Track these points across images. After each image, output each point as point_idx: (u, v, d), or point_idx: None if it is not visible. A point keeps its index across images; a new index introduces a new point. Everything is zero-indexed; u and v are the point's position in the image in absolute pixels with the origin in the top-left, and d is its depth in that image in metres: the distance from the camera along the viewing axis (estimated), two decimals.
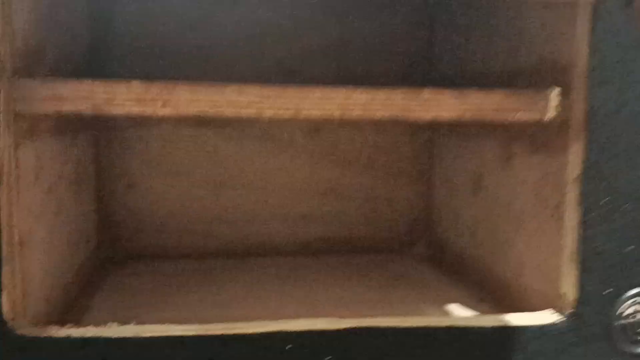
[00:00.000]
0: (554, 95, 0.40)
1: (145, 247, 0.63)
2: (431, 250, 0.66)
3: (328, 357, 0.38)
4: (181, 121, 0.63)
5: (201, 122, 0.64)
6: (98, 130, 0.61)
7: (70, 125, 0.51)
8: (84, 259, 0.55)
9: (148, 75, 0.58)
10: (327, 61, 0.65)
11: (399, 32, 0.66)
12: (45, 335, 0.36)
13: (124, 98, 0.37)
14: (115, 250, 0.62)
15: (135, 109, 0.37)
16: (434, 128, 0.66)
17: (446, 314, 0.47)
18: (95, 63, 0.59)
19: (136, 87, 0.37)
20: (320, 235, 0.67)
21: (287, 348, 0.37)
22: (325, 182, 0.67)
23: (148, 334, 0.36)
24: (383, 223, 0.68)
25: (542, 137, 0.44)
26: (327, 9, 0.64)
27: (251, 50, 0.63)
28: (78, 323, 0.38)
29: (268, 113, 0.38)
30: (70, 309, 0.47)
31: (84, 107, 0.36)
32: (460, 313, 0.47)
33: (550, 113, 0.40)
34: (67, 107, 0.36)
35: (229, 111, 0.38)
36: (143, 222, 0.63)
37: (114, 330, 0.36)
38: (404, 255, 0.67)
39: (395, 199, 0.68)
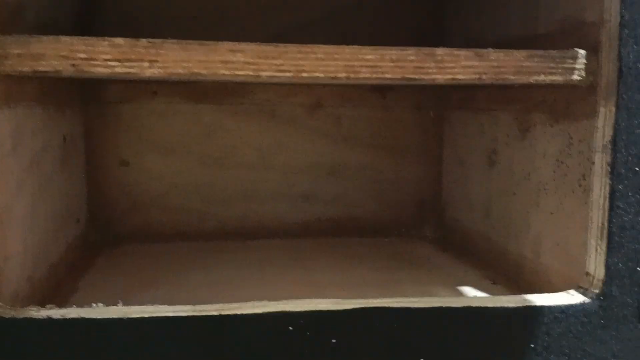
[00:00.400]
0: (581, 56, 0.36)
1: (138, 227, 0.59)
2: (440, 231, 0.63)
3: (333, 340, 0.34)
4: (176, 95, 0.60)
5: (197, 96, 0.60)
6: (88, 104, 0.58)
7: (56, 96, 0.47)
8: (73, 239, 0.52)
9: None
10: (330, 32, 0.61)
11: (408, 3, 0.62)
12: (23, 316, 0.33)
13: (106, 57, 0.33)
14: (107, 230, 0.59)
15: (119, 69, 0.33)
16: (443, 103, 0.63)
17: (460, 295, 0.44)
18: (83, 28, 0.56)
19: (120, 45, 0.33)
20: (322, 216, 0.64)
21: (289, 330, 0.34)
22: (327, 160, 0.63)
23: (136, 315, 0.33)
24: (389, 203, 0.64)
25: (565, 104, 0.41)
26: None
27: (249, 19, 0.60)
28: (63, 304, 0.35)
29: (265, 74, 0.34)
30: (57, 290, 0.44)
31: (62, 66, 0.33)
32: (474, 294, 0.44)
33: (578, 75, 0.37)
34: (44, 67, 0.33)
35: (222, 72, 0.34)
36: (136, 201, 0.60)
37: (98, 311, 0.33)
38: (411, 237, 0.63)
39: (402, 178, 0.64)
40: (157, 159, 0.60)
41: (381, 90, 0.63)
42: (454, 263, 0.54)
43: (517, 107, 0.47)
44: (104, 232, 0.58)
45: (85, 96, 0.57)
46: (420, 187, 0.64)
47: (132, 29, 0.58)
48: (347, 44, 0.62)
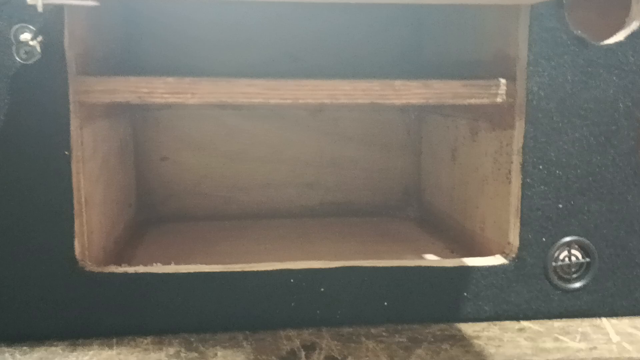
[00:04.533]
0: (502, 84, 0.50)
1: (176, 210, 0.74)
2: (420, 212, 0.77)
3: (322, 289, 0.49)
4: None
5: (221, 105, 0.74)
6: (135, 112, 0.72)
7: (116, 110, 0.62)
8: (128, 219, 0.67)
9: (174, 63, 0.69)
10: (329, 51, 0.75)
11: (392, 27, 0.75)
12: (107, 271, 0.47)
13: (161, 91, 0.47)
14: (152, 213, 0.74)
15: (170, 99, 0.47)
16: (422, 108, 0.76)
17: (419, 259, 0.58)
18: (132, 55, 0.70)
19: (171, 82, 0.47)
20: (324, 200, 0.78)
21: (291, 281, 0.48)
22: (328, 154, 0.77)
23: (184, 271, 0.48)
24: (379, 190, 0.78)
25: (498, 117, 0.54)
26: (331, 11, 0.74)
27: (255, 42, 0.74)
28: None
29: (272, 101, 0.48)
30: (120, 257, 0.58)
31: (131, 98, 0.47)
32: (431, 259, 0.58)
33: (499, 98, 0.50)
34: (118, 98, 0.47)
35: (241, 99, 0.48)
36: (174, 189, 0.74)
37: (158, 268, 0.48)
38: (396, 217, 0.77)
39: (389, 169, 0.78)
40: (190, 155, 0.74)
41: None
42: (426, 237, 0.68)
43: (469, 116, 0.61)
44: (149, 215, 0.73)
45: (134, 105, 0.72)
46: (404, 176, 0.78)
47: (170, 50, 0.72)
48: (341, 61, 0.76)
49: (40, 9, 0.36)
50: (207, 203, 0.75)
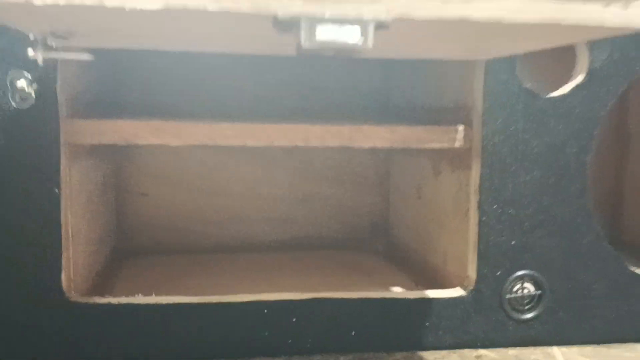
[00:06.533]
0: (460, 130, 0.55)
1: (154, 244, 0.77)
2: (387, 247, 0.81)
3: (294, 319, 0.52)
4: None
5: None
6: (117, 150, 0.75)
7: (100, 148, 0.65)
8: (108, 253, 0.69)
9: (154, 103, 0.73)
10: (298, 94, 0.80)
11: (362, 75, 0.80)
12: (91, 302, 0.50)
13: (146, 133, 0.51)
14: (130, 247, 0.76)
15: (154, 141, 0.51)
16: (390, 149, 0.80)
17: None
18: (114, 98, 0.74)
19: (155, 125, 0.51)
20: (296, 235, 0.81)
21: (264, 312, 0.52)
22: (301, 191, 0.81)
23: (164, 302, 0.51)
24: (349, 226, 0.82)
25: (457, 159, 0.59)
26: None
27: (232, 84, 0.78)
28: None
29: (250, 143, 0.52)
30: (102, 289, 0.61)
31: (117, 139, 0.51)
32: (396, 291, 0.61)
33: (458, 143, 0.55)
34: (105, 140, 0.51)
35: (221, 141, 0.52)
36: (152, 224, 0.77)
37: (139, 299, 0.51)
38: (364, 251, 0.81)
39: (359, 205, 0.82)
40: (168, 191, 0.77)
41: None
42: (392, 271, 0.72)
43: (433, 157, 0.65)
44: (128, 248, 0.76)
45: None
46: (373, 212, 0.82)
47: (150, 92, 0.76)
48: (313, 105, 0.80)
49: (40, 63, 0.39)
50: (184, 237, 0.78)
